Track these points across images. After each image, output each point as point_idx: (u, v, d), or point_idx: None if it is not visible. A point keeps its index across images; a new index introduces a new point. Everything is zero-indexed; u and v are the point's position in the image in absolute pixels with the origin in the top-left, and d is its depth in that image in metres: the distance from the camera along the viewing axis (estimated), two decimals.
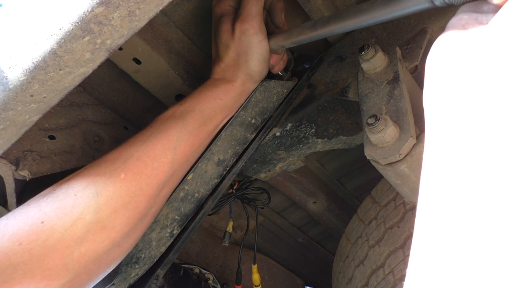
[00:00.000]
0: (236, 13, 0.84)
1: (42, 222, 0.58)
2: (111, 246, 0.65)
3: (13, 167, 0.81)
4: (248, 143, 0.92)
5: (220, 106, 0.83)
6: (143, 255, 0.85)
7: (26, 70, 0.54)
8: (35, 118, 0.63)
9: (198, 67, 1.01)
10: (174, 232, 0.87)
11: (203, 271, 1.45)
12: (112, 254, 0.67)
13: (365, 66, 0.79)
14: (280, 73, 0.95)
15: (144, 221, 0.72)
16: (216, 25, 0.86)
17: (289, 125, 0.97)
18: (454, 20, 0.45)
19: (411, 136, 0.66)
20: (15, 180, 0.82)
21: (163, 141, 0.73)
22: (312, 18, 0.96)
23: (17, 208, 0.61)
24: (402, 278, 1.03)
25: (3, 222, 0.59)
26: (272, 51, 0.86)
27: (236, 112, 0.88)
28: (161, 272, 0.87)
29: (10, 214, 0.61)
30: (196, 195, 0.87)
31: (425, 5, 0.57)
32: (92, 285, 0.68)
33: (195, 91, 0.83)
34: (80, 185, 0.64)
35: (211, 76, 0.86)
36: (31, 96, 0.57)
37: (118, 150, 0.71)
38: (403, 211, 1.14)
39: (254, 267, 1.36)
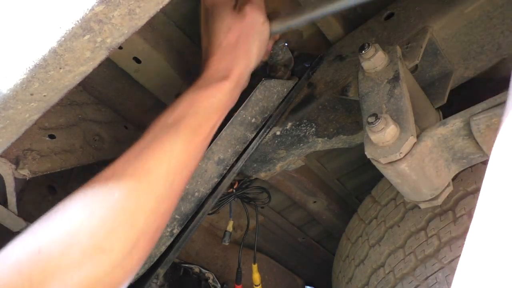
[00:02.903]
0: None
1: (39, 251, 0.58)
2: (112, 268, 0.63)
3: (13, 166, 0.81)
4: (248, 142, 0.91)
5: (215, 105, 0.77)
6: None
7: (26, 68, 0.54)
8: (35, 117, 0.63)
9: (198, 66, 1.01)
10: (174, 231, 0.87)
11: (203, 270, 1.46)
12: (115, 276, 0.64)
13: (365, 65, 0.79)
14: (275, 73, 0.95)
15: (146, 238, 0.69)
16: (210, 11, 0.82)
17: (289, 124, 0.97)
18: None
19: (412, 135, 0.66)
20: (15, 179, 0.82)
21: (156, 154, 0.70)
22: None
23: (15, 238, 0.61)
24: (402, 277, 1.03)
25: (3, 253, 0.59)
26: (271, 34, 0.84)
27: (236, 112, 0.87)
28: (161, 271, 0.87)
29: (9, 244, 0.60)
30: (196, 194, 0.87)
31: None
32: None
33: (186, 92, 0.78)
34: (74, 209, 0.63)
35: (202, 72, 0.80)
36: (31, 94, 0.57)
37: (111, 167, 0.69)
38: (404, 210, 1.14)
39: (254, 267, 1.36)
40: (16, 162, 0.81)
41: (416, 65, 0.85)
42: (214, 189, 0.90)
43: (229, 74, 0.78)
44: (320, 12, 0.78)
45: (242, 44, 0.80)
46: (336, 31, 1.00)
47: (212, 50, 0.80)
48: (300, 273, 1.85)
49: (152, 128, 0.74)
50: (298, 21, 0.82)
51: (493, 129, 0.65)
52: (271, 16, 0.85)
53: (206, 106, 0.76)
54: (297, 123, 0.96)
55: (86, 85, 0.98)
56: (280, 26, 0.84)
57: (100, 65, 0.59)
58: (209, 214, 1.18)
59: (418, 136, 0.68)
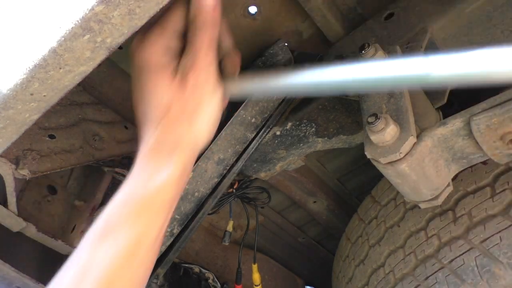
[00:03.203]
0: (177, 58, 0.63)
1: None
2: None
3: (13, 166, 0.81)
4: (248, 142, 0.91)
5: (157, 207, 0.59)
6: None
7: (26, 68, 0.54)
8: (35, 117, 0.63)
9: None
10: (174, 231, 0.87)
11: (203, 270, 1.46)
12: None
13: None
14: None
15: None
16: (144, 71, 0.62)
17: (289, 124, 0.97)
18: None
19: (412, 135, 0.66)
20: (15, 179, 0.82)
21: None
22: (313, 18, 0.96)
23: None
24: (402, 277, 1.03)
25: None
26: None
27: (236, 112, 0.87)
28: (161, 271, 0.87)
29: None
30: (196, 194, 0.87)
31: None
32: None
33: (122, 189, 0.59)
34: None
35: (138, 154, 0.61)
36: (31, 94, 0.57)
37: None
38: (404, 210, 1.14)
39: (254, 267, 1.36)
40: (16, 162, 0.81)
41: None
42: (214, 189, 0.90)
43: (172, 163, 0.60)
44: (288, 89, 0.64)
45: (186, 122, 0.61)
46: (336, 31, 1.00)
47: (148, 127, 0.62)
48: (300, 273, 1.85)
49: (83, 244, 0.56)
50: (260, 89, 0.68)
51: (493, 129, 0.65)
52: (226, 72, 0.70)
53: (146, 211, 0.58)
54: (297, 123, 0.96)
55: (86, 85, 0.98)
56: (237, 90, 0.68)
57: (100, 65, 0.59)
58: (209, 214, 1.18)
59: (418, 136, 0.68)
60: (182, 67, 0.62)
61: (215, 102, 0.64)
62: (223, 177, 0.90)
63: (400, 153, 0.66)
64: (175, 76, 0.62)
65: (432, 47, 0.88)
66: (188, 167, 0.63)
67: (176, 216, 0.86)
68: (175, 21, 0.63)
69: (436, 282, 0.92)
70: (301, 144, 1.00)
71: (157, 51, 0.62)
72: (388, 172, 0.70)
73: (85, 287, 0.52)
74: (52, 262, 0.99)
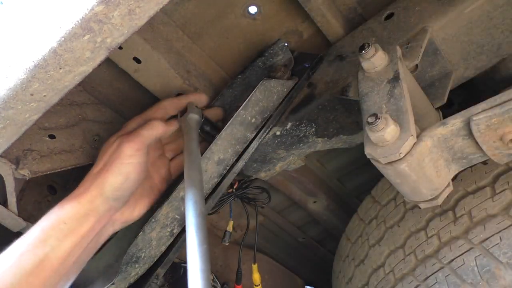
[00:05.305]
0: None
1: None
2: None
3: (13, 166, 0.81)
4: (248, 142, 0.91)
5: (65, 231, 0.72)
6: (143, 255, 0.84)
7: (26, 68, 0.54)
8: (35, 117, 0.63)
9: (198, 66, 1.01)
10: (174, 231, 0.87)
11: None
12: None
13: (365, 65, 0.79)
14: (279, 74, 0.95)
15: None
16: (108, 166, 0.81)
17: (289, 124, 0.97)
18: None
19: (412, 135, 0.66)
20: (15, 179, 0.82)
21: None
22: (313, 18, 0.96)
23: None
24: (402, 277, 1.03)
25: None
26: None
27: (236, 112, 0.87)
28: (161, 271, 0.87)
29: None
30: None
31: None
32: None
33: (49, 213, 0.74)
34: None
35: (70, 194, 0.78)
36: (31, 95, 0.57)
37: None
38: (404, 210, 1.14)
39: (254, 267, 1.36)
40: (16, 162, 0.81)
41: (416, 65, 0.85)
42: (214, 189, 0.90)
43: (81, 199, 0.75)
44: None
45: (103, 171, 0.78)
46: (336, 31, 1.00)
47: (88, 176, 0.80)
48: (300, 273, 1.85)
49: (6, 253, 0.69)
50: None
51: (493, 129, 0.65)
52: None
53: (57, 234, 0.72)
54: (297, 123, 0.96)
55: (86, 85, 0.98)
56: None
57: (100, 65, 0.59)
58: (209, 214, 1.18)
59: (418, 136, 0.68)
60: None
61: (133, 161, 0.80)
62: (223, 177, 0.90)
63: (400, 153, 0.66)
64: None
65: (432, 47, 0.88)
66: (92, 213, 0.76)
67: (176, 216, 0.86)
68: (149, 140, 0.83)
69: (436, 282, 0.92)
70: (301, 144, 1.00)
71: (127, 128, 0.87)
72: (388, 172, 0.70)
73: None
74: None
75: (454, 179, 0.77)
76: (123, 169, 0.78)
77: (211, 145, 0.86)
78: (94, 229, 0.76)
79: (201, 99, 0.95)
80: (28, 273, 0.67)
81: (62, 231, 0.72)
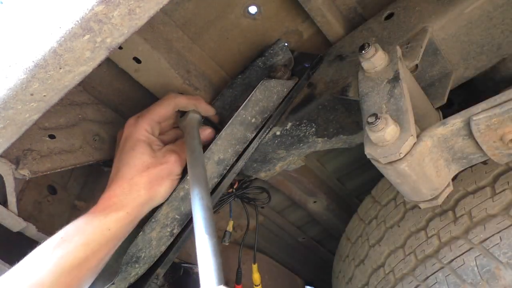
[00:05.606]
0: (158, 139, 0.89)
1: None
2: None
3: (13, 166, 0.81)
4: (248, 142, 0.91)
5: (108, 237, 0.76)
6: (143, 254, 0.84)
7: (26, 68, 0.54)
8: (35, 117, 0.63)
9: (198, 66, 1.01)
10: (174, 231, 0.87)
11: None
12: None
13: (365, 65, 0.79)
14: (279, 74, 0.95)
15: None
16: (130, 142, 0.85)
17: (289, 124, 0.97)
18: None
19: (412, 135, 0.66)
20: (15, 179, 0.82)
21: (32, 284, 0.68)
22: (313, 18, 0.96)
23: None
24: (402, 277, 1.03)
25: None
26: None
27: (237, 112, 0.87)
28: (161, 271, 0.87)
29: None
30: None
31: None
32: None
33: (81, 218, 0.77)
34: None
35: (101, 199, 0.80)
36: (31, 95, 0.57)
37: None
38: (404, 210, 1.14)
39: (254, 267, 1.36)
40: (16, 162, 0.81)
41: (416, 65, 0.85)
42: (214, 189, 0.90)
43: (131, 208, 0.79)
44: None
45: (154, 184, 0.81)
46: (336, 31, 1.00)
47: (119, 180, 0.81)
48: (300, 273, 1.85)
49: (38, 252, 0.72)
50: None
51: (493, 129, 0.65)
52: None
53: (99, 238, 0.75)
54: (297, 123, 0.96)
55: (86, 85, 0.98)
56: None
57: (100, 65, 0.59)
58: None
59: (418, 136, 0.68)
60: (168, 148, 0.87)
61: (176, 180, 0.85)
62: (223, 177, 0.90)
63: (400, 153, 0.66)
64: (158, 150, 0.86)
65: (432, 47, 0.88)
66: (136, 219, 0.81)
67: (176, 216, 0.86)
68: (162, 116, 0.90)
69: (436, 282, 0.92)
70: (301, 144, 1.00)
71: (142, 130, 0.86)
72: (388, 172, 0.70)
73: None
74: None
75: (454, 179, 0.77)
76: (171, 188, 0.85)
77: (211, 145, 0.86)
78: (130, 230, 0.81)
79: (207, 111, 0.96)
80: (66, 273, 0.70)
81: (105, 236, 0.76)
